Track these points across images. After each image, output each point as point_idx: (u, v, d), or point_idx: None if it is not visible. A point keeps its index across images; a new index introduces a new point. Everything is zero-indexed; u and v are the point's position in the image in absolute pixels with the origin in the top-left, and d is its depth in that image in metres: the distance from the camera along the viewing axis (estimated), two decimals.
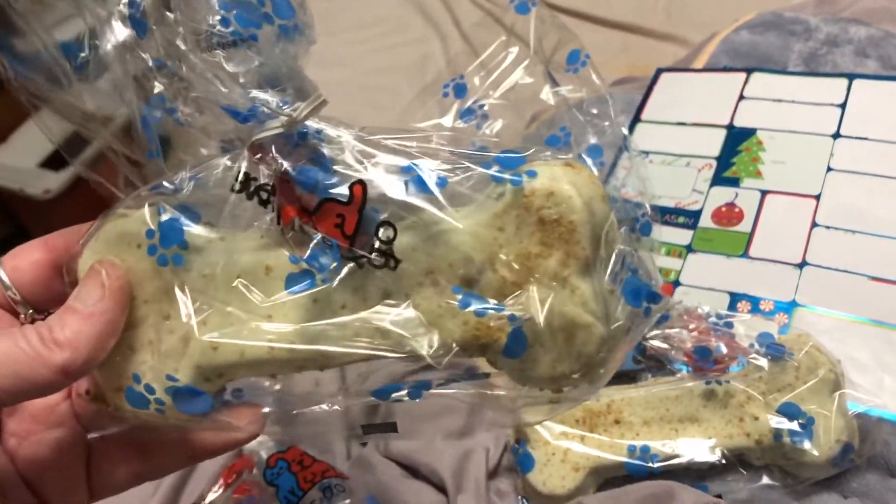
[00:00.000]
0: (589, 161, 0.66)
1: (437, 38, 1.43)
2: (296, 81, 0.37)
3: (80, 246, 0.37)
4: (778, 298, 0.68)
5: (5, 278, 0.37)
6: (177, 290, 0.36)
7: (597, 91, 0.68)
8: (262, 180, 0.37)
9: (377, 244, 0.36)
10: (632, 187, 0.68)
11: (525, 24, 0.69)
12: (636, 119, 0.88)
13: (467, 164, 0.37)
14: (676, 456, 0.59)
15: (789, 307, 0.67)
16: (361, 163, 0.37)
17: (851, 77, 0.83)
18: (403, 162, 0.37)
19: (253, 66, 0.37)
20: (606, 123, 0.65)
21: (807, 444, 0.56)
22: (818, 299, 0.67)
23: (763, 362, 0.59)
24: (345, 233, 0.36)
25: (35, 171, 1.60)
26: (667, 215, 0.77)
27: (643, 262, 0.63)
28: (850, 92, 0.82)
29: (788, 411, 0.57)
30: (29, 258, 0.38)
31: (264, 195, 0.37)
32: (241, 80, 0.36)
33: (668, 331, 0.63)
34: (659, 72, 0.93)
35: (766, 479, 0.59)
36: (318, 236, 0.36)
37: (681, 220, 0.77)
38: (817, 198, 0.74)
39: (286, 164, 0.36)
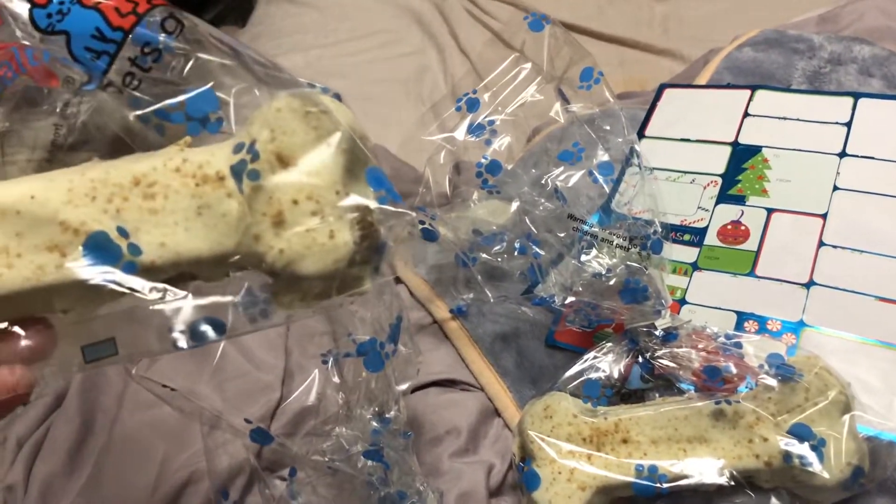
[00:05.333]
0: (601, 178, 0.66)
1: (435, 50, 1.43)
2: None
3: None
4: (785, 318, 0.67)
5: None
6: None
7: (608, 108, 0.68)
8: None
9: None
10: (640, 204, 0.68)
11: (535, 43, 0.69)
12: (640, 135, 0.88)
13: None
14: (685, 476, 0.58)
15: (797, 327, 0.66)
16: None
17: (857, 96, 0.83)
18: None
19: None
20: (620, 140, 0.65)
21: (817, 467, 0.55)
22: (826, 320, 0.66)
23: (773, 382, 0.59)
24: None
25: None
26: (672, 232, 0.76)
27: (653, 281, 0.63)
28: (855, 110, 0.82)
29: (800, 432, 0.56)
30: None
31: None
32: None
33: (676, 350, 0.62)
34: (662, 87, 0.93)
35: (774, 502, 0.58)
36: None
37: (686, 237, 0.76)
38: (824, 217, 0.73)
39: None
